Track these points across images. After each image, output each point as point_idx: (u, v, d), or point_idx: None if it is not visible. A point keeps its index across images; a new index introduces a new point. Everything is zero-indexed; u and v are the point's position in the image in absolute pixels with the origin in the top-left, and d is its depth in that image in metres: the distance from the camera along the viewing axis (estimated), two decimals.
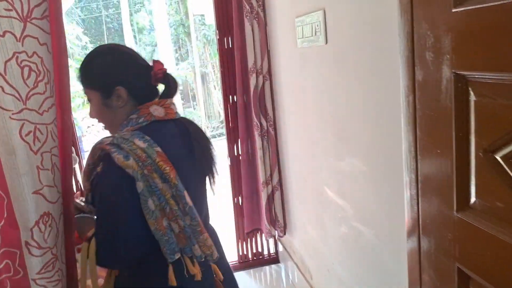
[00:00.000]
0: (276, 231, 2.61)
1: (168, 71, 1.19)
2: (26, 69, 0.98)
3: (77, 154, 2.43)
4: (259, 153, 2.46)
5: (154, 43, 22.04)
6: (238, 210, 2.72)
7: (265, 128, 2.47)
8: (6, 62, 0.97)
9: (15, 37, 0.96)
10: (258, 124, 2.44)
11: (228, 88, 2.60)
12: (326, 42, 1.61)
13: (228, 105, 2.62)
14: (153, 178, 1.01)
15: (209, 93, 13.94)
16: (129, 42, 13.19)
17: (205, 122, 12.66)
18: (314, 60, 1.78)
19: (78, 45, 6.42)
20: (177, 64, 12.91)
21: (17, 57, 0.97)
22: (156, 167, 1.02)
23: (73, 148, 2.07)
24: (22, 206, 1.02)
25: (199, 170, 1.21)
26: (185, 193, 1.05)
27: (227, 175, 2.67)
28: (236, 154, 2.68)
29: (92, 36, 22.85)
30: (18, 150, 1.00)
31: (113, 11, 20.46)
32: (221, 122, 13.30)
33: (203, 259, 1.09)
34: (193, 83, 13.71)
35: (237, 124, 2.61)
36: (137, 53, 1.19)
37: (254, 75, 2.38)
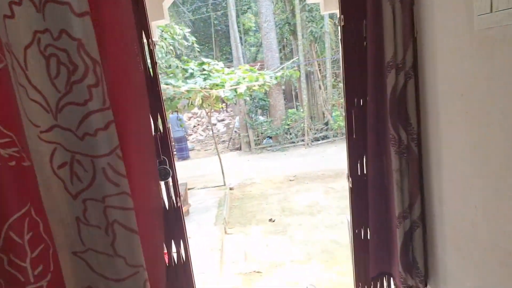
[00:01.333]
0: (413, 280, 1.96)
1: None
2: (52, 60, 0.56)
3: (171, 165, 2.08)
4: (395, 176, 1.84)
5: (259, 44, 22.24)
6: (361, 246, 2.13)
7: (405, 142, 1.83)
8: (26, 48, 0.56)
9: (35, 5, 0.54)
10: (396, 136, 1.82)
11: (353, 88, 2.02)
12: None
13: (353, 110, 2.05)
14: None
15: (314, 93, 13.37)
16: (234, 45, 13.28)
17: (308, 124, 12.14)
18: None
19: (186, 45, 6.38)
20: (281, 63, 12.59)
21: (39, 39, 0.55)
22: None
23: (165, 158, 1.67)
24: (67, 266, 0.61)
25: None
26: None
27: (346, 196, 2.11)
28: (359, 173, 2.09)
29: (201, 38, 23.99)
30: (53, 187, 0.58)
31: (221, 13, 21.11)
32: (325, 124, 12.66)
33: None
34: (296, 82, 13.28)
35: (364, 135, 2.02)
36: None
37: (392, 71, 1.77)
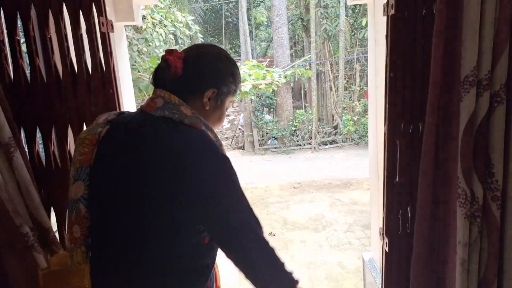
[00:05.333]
0: None
1: (166, 57, 1.06)
2: None
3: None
4: (460, 251, 1.19)
5: (270, 39, 21.58)
6: None
7: (481, 201, 1.18)
8: None
9: None
10: (467, 191, 1.17)
11: (400, 107, 1.38)
12: None
13: (397, 140, 1.40)
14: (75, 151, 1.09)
15: (324, 94, 12.66)
16: (243, 38, 12.62)
17: (315, 126, 11.47)
18: None
19: (188, 35, 5.75)
20: (291, 61, 11.92)
21: None
22: (78, 142, 1.09)
23: None
24: None
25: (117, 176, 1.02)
26: (73, 184, 1.06)
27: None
28: (400, 231, 1.45)
29: (211, 30, 23.33)
30: None
31: (233, 5, 20.42)
32: (334, 127, 11.98)
33: None
34: (306, 82, 12.60)
35: (411, 176, 1.38)
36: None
37: (472, 91, 1.12)
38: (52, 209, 1.54)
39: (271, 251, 1.00)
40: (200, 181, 0.95)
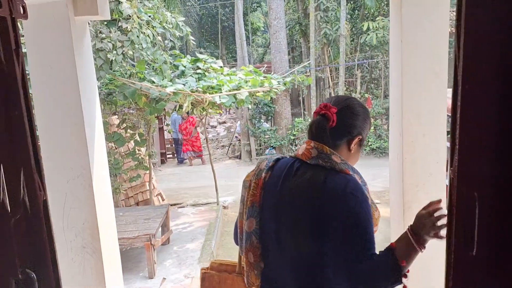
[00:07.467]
0: None
1: (320, 113, 1.31)
2: None
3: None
4: None
5: (267, 44, 21.14)
6: None
7: None
8: None
9: None
10: None
11: (478, 137, 0.86)
12: None
13: (475, 193, 0.88)
14: (245, 191, 1.40)
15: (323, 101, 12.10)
16: (239, 42, 12.14)
17: None
18: None
19: (178, 37, 5.25)
20: (289, 67, 11.43)
21: None
22: (251, 185, 1.37)
23: None
24: None
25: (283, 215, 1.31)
26: (246, 220, 1.35)
27: None
28: None
29: (207, 34, 22.88)
30: None
31: (229, 10, 19.98)
32: None
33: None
34: (305, 89, 12.09)
35: (498, 249, 0.86)
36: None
37: None
38: None
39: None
40: (353, 220, 1.19)
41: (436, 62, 1.98)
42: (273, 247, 1.31)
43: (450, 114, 1.01)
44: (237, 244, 1.49)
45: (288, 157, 1.41)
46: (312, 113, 1.38)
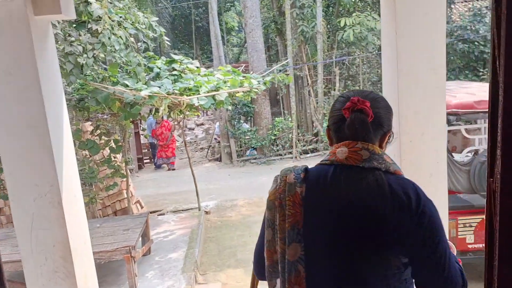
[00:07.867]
0: None
1: (356, 108, 1.15)
2: None
3: None
4: None
5: (242, 44, 20.94)
6: None
7: None
8: None
9: None
10: None
11: None
12: None
13: None
14: (275, 212, 1.17)
15: (303, 100, 12.06)
16: (215, 42, 11.90)
17: (296, 134, 10.87)
18: None
19: (152, 37, 5.01)
20: (267, 66, 11.29)
21: None
22: (284, 204, 1.16)
23: None
24: None
25: (342, 233, 1.14)
26: (288, 246, 1.14)
27: None
28: None
29: (181, 35, 22.50)
30: None
31: (203, 10, 19.67)
32: (315, 135, 11.40)
33: None
34: (284, 87, 11.97)
35: None
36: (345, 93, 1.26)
37: None
38: None
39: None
40: (437, 224, 1.12)
41: (434, 55, 1.85)
42: (326, 274, 1.15)
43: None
44: (262, 278, 1.31)
45: (317, 165, 1.24)
46: (342, 111, 1.19)
